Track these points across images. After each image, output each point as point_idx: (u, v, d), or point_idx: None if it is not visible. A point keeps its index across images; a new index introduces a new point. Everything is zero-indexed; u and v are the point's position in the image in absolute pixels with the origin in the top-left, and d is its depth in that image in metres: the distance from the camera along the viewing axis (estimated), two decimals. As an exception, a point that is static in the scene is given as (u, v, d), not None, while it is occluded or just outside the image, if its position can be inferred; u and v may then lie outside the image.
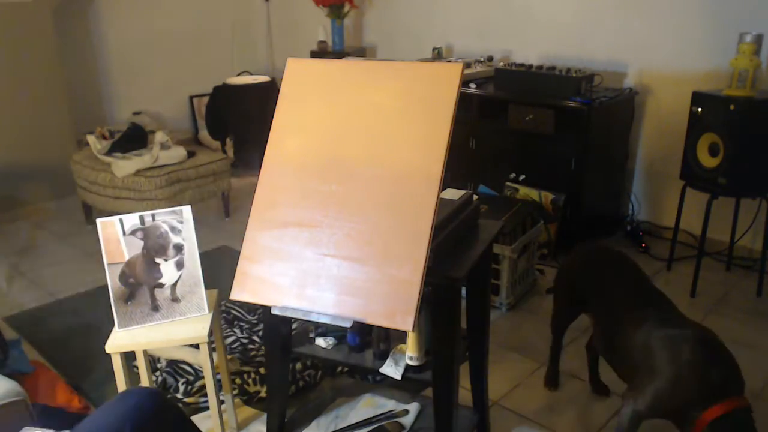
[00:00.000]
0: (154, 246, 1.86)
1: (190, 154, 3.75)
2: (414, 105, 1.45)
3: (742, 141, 2.71)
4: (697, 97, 2.86)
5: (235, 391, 2.25)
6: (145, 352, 2.00)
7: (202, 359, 1.93)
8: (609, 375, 2.40)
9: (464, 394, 1.84)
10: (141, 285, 1.86)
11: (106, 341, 1.84)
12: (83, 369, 2.43)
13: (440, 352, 1.57)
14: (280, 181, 1.52)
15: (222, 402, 2.13)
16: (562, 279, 2.23)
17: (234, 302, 2.84)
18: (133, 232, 1.84)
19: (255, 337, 2.60)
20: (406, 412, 1.94)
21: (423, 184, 1.39)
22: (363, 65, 1.56)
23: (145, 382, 2.08)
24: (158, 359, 2.42)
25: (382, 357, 1.65)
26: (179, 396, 2.25)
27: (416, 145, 1.43)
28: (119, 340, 1.83)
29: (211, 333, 1.88)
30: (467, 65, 3.81)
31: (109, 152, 3.67)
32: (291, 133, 1.55)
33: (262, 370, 2.32)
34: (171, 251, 1.88)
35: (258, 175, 1.54)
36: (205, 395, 2.24)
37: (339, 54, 4.58)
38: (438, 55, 4.09)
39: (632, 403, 1.69)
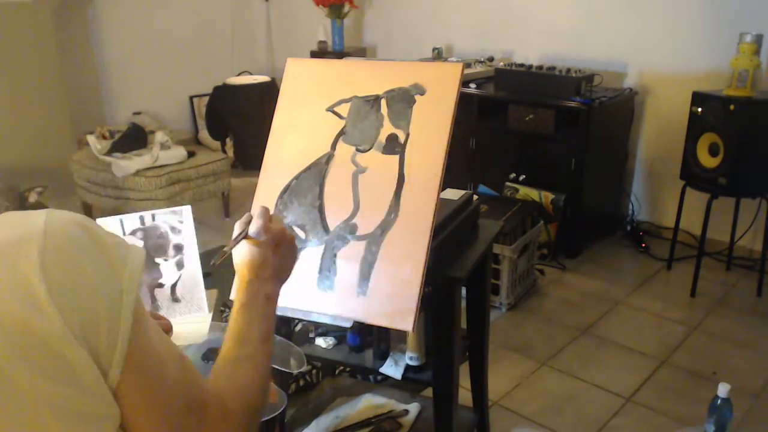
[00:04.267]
0: (154, 246, 1.86)
1: (190, 154, 3.75)
2: (414, 105, 1.45)
3: (742, 141, 2.71)
4: (697, 97, 2.86)
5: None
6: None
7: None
8: (612, 374, 2.40)
9: (464, 394, 1.84)
10: (141, 285, 1.85)
11: (106, 341, 1.84)
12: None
13: (440, 352, 1.57)
14: (279, 181, 1.52)
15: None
16: None
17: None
18: (133, 232, 1.84)
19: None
20: (406, 412, 1.94)
21: (423, 184, 1.39)
22: (362, 65, 1.56)
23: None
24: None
25: (382, 357, 1.65)
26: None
27: (416, 145, 1.43)
28: (119, 340, 1.83)
29: (211, 333, 1.88)
30: (467, 65, 3.80)
31: (109, 152, 3.67)
32: (291, 133, 1.55)
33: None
34: (171, 251, 1.88)
35: (258, 175, 1.54)
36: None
37: (339, 54, 4.58)
38: (438, 55, 4.09)
39: None
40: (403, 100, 1.46)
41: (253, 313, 0.91)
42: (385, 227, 1.40)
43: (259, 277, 0.95)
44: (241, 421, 0.80)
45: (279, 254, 0.97)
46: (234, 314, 0.91)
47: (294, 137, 1.54)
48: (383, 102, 1.48)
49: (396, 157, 1.43)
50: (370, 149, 1.47)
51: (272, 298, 0.95)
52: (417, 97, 1.45)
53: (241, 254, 0.97)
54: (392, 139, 1.45)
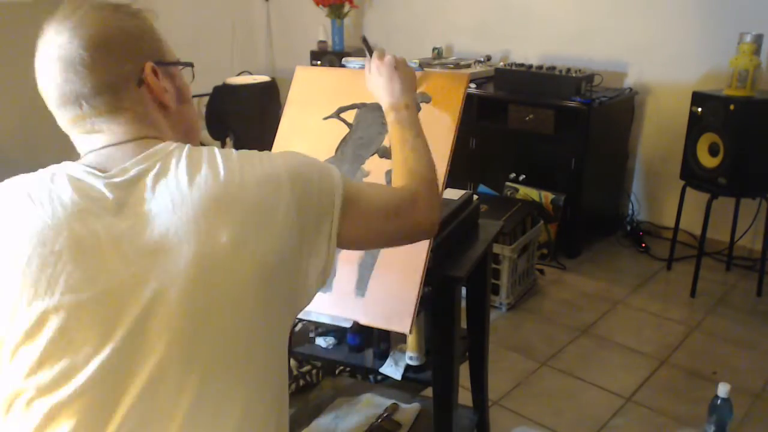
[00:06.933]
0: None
1: (190, 154, 3.74)
2: (419, 112, 1.46)
3: (742, 141, 2.71)
4: (697, 97, 2.86)
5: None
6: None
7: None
8: (612, 374, 2.40)
9: (464, 394, 1.84)
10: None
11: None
12: (83, 369, 2.43)
13: (440, 352, 1.57)
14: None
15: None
16: None
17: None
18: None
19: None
20: (397, 405, 1.94)
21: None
22: None
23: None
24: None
25: (382, 357, 1.65)
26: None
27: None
28: (119, 340, 1.83)
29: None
30: (467, 65, 3.80)
31: (109, 152, 3.66)
32: (296, 137, 1.56)
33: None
34: (171, 251, 1.88)
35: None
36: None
37: (339, 54, 4.58)
38: (438, 55, 4.09)
39: None
40: None
41: (404, 121, 1.21)
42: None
43: (393, 96, 1.26)
44: (425, 194, 1.09)
45: (400, 71, 1.30)
46: (390, 130, 1.23)
47: (299, 143, 1.55)
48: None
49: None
50: (374, 154, 1.47)
51: (411, 106, 1.25)
52: (422, 104, 1.46)
53: (373, 83, 1.33)
54: (396, 144, 1.46)
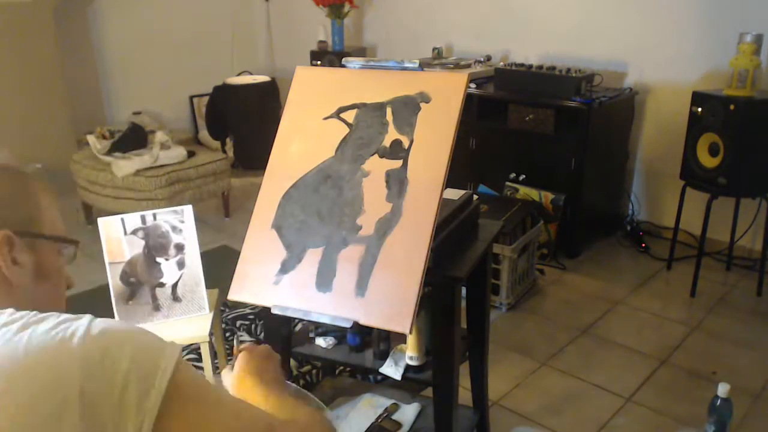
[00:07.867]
0: (155, 245, 1.86)
1: (190, 154, 3.75)
2: (419, 112, 1.46)
3: (742, 141, 2.71)
4: (697, 97, 2.86)
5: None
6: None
7: (203, 359, 1.93)
8: (612, 374, 2.40)
9: (464, 394, 1.84)
10: (142, 284, 1.86)
11: (106, 341, 1.84)
12: (83, 369, 2.42)
13: (440, 352, 1.57)
14: (283, 183, 1.53)
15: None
16: None
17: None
18: (134, 232, 1.85)
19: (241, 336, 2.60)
20: (397, 405, 1.94)
21: (425, 189, 1.39)
22: (369, 74, 1.57)
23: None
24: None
25: (382, 357, 1.65)
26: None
27: (420, 151, 1.43)
28: (119, 340, 1.83)
29: (211, 333, 1.88)
30: (467, 65, 3.80)
31: (109, 152, 3.67)
32: (296, 138, 1.56)
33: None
34: (172, 251, 1.88)
35: (258, 175, 1.55)
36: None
37: (339, 54, 4.58)
38: (438, 55, 4.09)
39: None
40: (408, 107, 1.47)
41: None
42: (386, 231, 1.40)
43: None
44: None
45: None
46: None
47: (299, 142, 1.55)
48: (388, 109, 1.49)
49: (399, 162, 1.44)
50: (374, 154, 1.47)
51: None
52: (422, 104, 1.46)
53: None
54: (396, 144, 1.46)
